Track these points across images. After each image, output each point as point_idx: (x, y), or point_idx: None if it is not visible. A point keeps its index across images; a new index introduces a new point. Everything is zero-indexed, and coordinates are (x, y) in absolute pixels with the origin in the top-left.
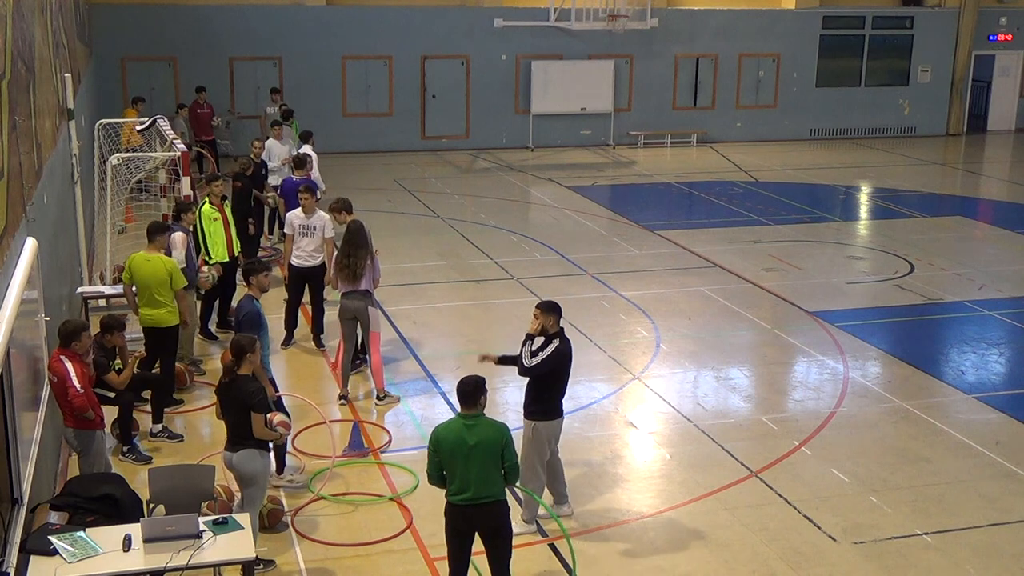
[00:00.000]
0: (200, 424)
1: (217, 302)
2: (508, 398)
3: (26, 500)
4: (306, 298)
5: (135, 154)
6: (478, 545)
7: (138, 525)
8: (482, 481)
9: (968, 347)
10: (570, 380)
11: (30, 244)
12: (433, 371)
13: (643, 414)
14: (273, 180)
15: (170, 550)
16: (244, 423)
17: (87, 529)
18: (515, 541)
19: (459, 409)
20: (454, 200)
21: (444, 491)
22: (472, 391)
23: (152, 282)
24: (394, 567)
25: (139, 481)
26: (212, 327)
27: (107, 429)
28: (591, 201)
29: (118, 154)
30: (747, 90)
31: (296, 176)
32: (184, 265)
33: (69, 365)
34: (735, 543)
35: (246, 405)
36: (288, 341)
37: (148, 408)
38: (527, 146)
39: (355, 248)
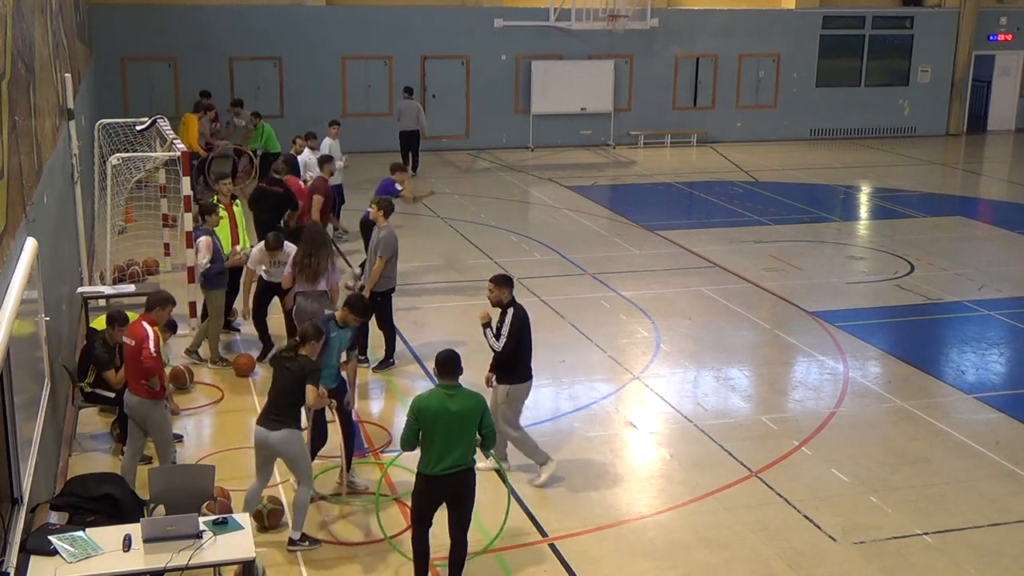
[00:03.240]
0: (201, 424)
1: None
2: None
3: (26, 500)
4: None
5: (135, 154)
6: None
7: (138, 525)
8: (461, 449)
9: (968, 347)
10: (570, 380)
11: (30, 244)
12: (433, 371)
13: (643, 414)
14: (336, 179)
15: (170, 550)
16: (290, 399)
17: (87, 529)
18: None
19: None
20: (454, 200)
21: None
22: (450, 362)
23: None
24: (394, 567)
25: (139, 481)
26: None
27: (108, 430)
28: (591, 201)
29: (118, 154)
30: (747, 90)
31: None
32: (209, 266)
33: (150, 330)
34: (735, 543)
35: (301, 375)
36: (264, 355)
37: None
38: (527, 146)
39: (316, 247)
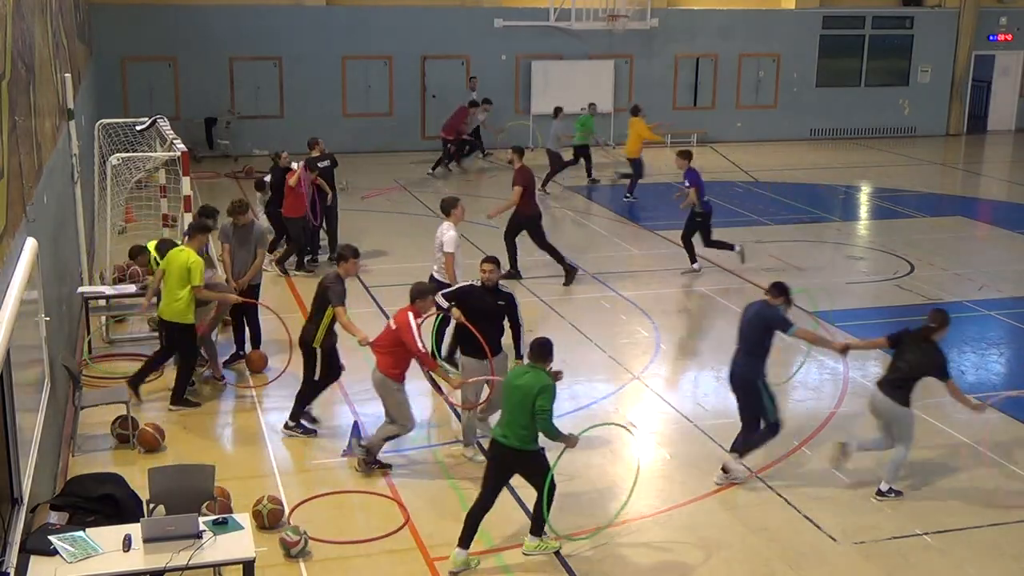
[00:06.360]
0: (209, 425)
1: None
2: None
3: (26, 500)
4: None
5: (135, 154)
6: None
7: (138, 525)
8: (513, 423)
9: (968, 347)
10: (570, 380)
11: (30, 244)
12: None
13: (643, 414)
14: None
15: (170, 550)
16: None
17: (87, 529)
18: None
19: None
20: None
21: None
22: (539, 346)
23: (174, 274)
24: (394, 567)
25: (139, 481)
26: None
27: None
28: (591, 201)
29: (118, 154)
30: (747, 90)
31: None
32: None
33: (414, 323)
34: (735, 543)
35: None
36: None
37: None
38: (527, 146)
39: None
